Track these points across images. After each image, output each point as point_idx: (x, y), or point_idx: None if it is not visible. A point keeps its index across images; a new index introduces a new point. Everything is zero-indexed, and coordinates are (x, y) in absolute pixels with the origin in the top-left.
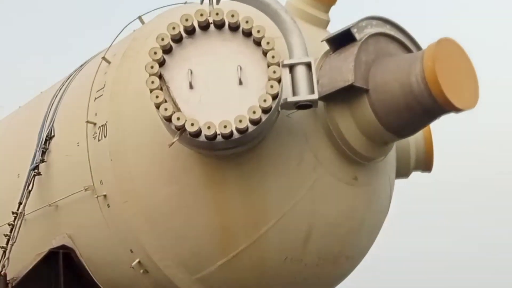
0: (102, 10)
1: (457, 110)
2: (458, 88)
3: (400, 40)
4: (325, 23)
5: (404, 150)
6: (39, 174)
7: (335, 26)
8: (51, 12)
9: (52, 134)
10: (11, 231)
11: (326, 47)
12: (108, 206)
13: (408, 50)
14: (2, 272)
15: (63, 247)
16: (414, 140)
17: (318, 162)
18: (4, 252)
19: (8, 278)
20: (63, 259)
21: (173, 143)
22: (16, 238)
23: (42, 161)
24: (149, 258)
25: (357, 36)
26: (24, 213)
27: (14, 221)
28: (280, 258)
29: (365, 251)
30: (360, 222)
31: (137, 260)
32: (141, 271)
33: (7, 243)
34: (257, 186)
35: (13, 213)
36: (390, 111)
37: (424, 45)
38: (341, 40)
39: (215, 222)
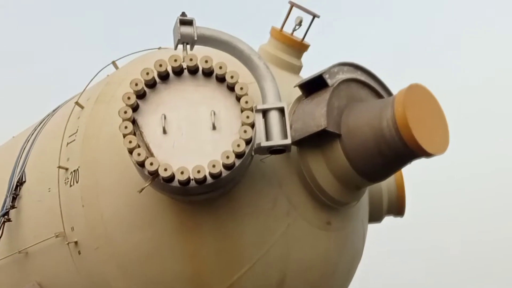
0: (75, 54)
1: (428, 155)
2: (429, 133)
3: (371, 85)
4: (297, 69)
5: (377, 195)
6: (9, 220)
7: (308, 71)
8: (24, 62)
9: (23, 180)
10: None
11: (299, 92)
12: (79, 252)
13: (379, 96)
14: None
15: None
16: (386, 185)
17: (291, 207)
18: None
19: None
20: None
21: (143, 188)
22: None
23: (13, 207)
24: None
25: (329, 81)
26: None
27: None
28: None
29: None
30: (334, 267)
31: None
32: None
33: None
34: (231, 232)
35: None
36: (362, 156)
37: (395, 90)
38: (314, 86)
39: (188, 269)
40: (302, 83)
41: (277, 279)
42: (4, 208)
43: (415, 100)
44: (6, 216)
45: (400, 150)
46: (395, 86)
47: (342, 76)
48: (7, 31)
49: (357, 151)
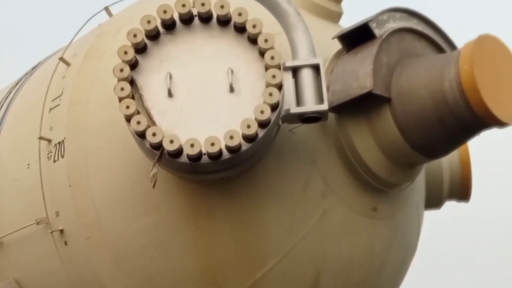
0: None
1: (501, 124)
2: (502, 97)
3: (430, 37)
4: (336, 16)
5: (436, 174)
6: None
7: (349, 20)
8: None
9: None
10: None
11: (338, 45)
12: (66, 243)
13: (440, 50)
14: None
15: None
16: (448, 162)
17: (328, 189)
18: None
19: None
20: None
21: (155, 176)
22: None
23: None
24: None
25: (376, 32)
26: None
27: None
28: None
29: None
30: (381, 265)
31: None
32: None
33: None
34: (252, 219)
35: None
36: (418, 126)
37: (460, 43)
38: (357, 37)
39: (198, 264)
40: (343, 34)
41: (309, 278)
42: None
43: (486, 55)
44: None
45: (465, 118)
46: None
47: (394, 25)
48: None
49: (411, 119)
